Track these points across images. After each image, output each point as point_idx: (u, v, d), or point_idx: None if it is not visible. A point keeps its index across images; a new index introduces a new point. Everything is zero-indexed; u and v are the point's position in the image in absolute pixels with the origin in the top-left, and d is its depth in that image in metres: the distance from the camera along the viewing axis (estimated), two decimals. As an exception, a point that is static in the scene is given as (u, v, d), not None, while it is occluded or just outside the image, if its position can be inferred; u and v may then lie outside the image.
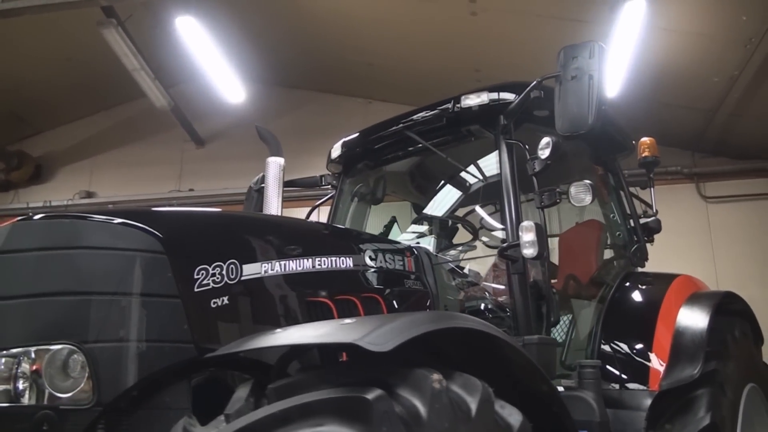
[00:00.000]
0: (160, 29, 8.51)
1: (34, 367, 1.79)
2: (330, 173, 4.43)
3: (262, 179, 4.23)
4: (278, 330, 1.90)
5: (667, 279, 3.80)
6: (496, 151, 3.39)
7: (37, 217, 2.05)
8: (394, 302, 2.76)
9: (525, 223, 2.90)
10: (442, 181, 4.22)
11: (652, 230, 4.32)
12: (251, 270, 2.18)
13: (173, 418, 1.78)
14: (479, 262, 4.03)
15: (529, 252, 2.86)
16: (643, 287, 3.83)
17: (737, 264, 8.01)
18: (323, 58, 9.11)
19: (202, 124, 10.71)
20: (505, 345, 1.90)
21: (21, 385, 1.81)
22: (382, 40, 8.23)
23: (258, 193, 4.31)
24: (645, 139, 4.25)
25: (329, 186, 4.40)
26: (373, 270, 2.71)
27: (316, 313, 2.35)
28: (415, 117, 3.62)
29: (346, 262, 2.60)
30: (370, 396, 1.39)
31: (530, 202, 3.21)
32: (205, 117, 10.66)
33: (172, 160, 10.93)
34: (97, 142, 11.23)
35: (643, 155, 4.26)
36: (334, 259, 2.55)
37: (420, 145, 3.63)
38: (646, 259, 4.15)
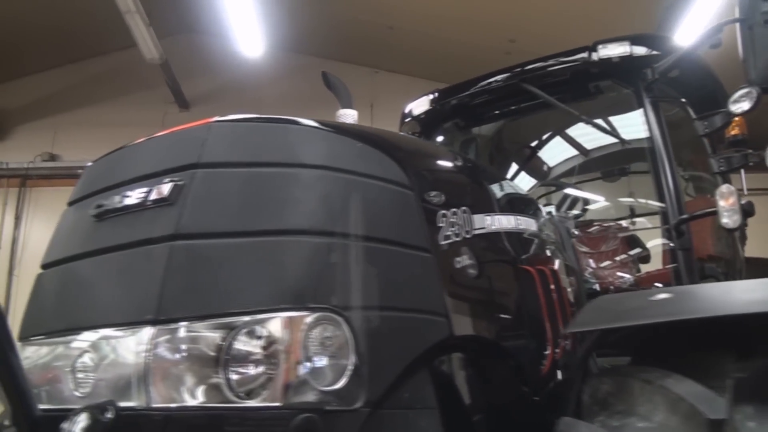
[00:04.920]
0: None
1: (269, 346, 1.18)
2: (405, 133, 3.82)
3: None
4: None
5: None
6: (634, 112, 3.04)
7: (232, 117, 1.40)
8: (560, 277, 2.26)
9: (724, 188, 2.56)
10: (552, 144, 3.81)
11: (746, 213, 4.10)
12: (479, 222, 1.70)
13: (413, 420, 1.35)
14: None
15: (730, 221, 2.51)
16: None
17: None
18: (335, 18, 8.30)
19: (189, 85, 9.73)
20: None
21: (251, 371, 1.16)
22: (407, -1, 7.50)
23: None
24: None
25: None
26: (545, 237, 2.28)
27: (522, 281, 1.91)
28: (531, 67, 3.18)
29: (533, 224, 2.12)
30: None
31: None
32: (192, 77, 9.69)
33: (151, 123, 9.81)
34: (64, 98, 10.01)
35: (732, 133, 3.95)
36: (526, 219, 2.06)
37: (525, 104, 3.26)
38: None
